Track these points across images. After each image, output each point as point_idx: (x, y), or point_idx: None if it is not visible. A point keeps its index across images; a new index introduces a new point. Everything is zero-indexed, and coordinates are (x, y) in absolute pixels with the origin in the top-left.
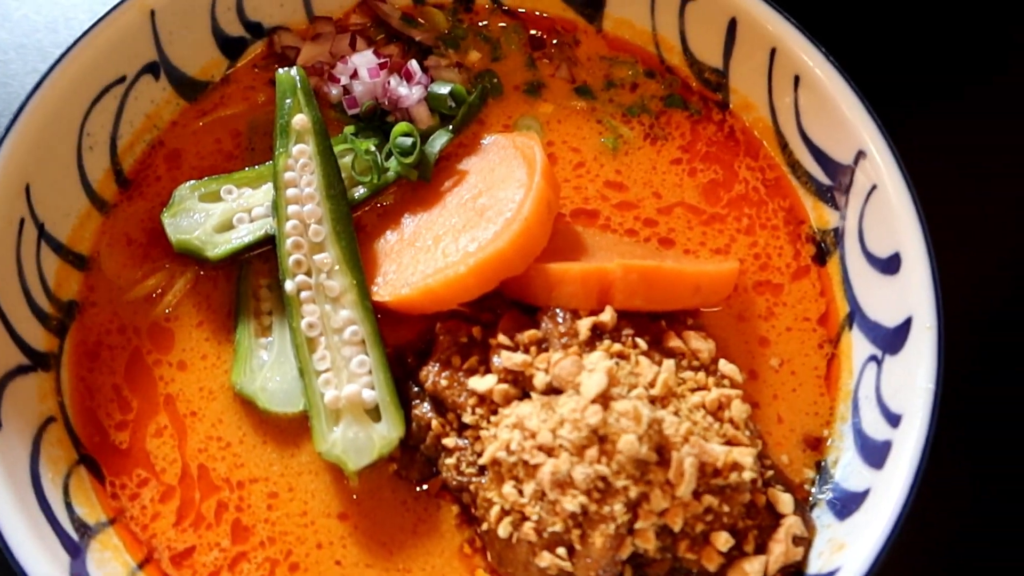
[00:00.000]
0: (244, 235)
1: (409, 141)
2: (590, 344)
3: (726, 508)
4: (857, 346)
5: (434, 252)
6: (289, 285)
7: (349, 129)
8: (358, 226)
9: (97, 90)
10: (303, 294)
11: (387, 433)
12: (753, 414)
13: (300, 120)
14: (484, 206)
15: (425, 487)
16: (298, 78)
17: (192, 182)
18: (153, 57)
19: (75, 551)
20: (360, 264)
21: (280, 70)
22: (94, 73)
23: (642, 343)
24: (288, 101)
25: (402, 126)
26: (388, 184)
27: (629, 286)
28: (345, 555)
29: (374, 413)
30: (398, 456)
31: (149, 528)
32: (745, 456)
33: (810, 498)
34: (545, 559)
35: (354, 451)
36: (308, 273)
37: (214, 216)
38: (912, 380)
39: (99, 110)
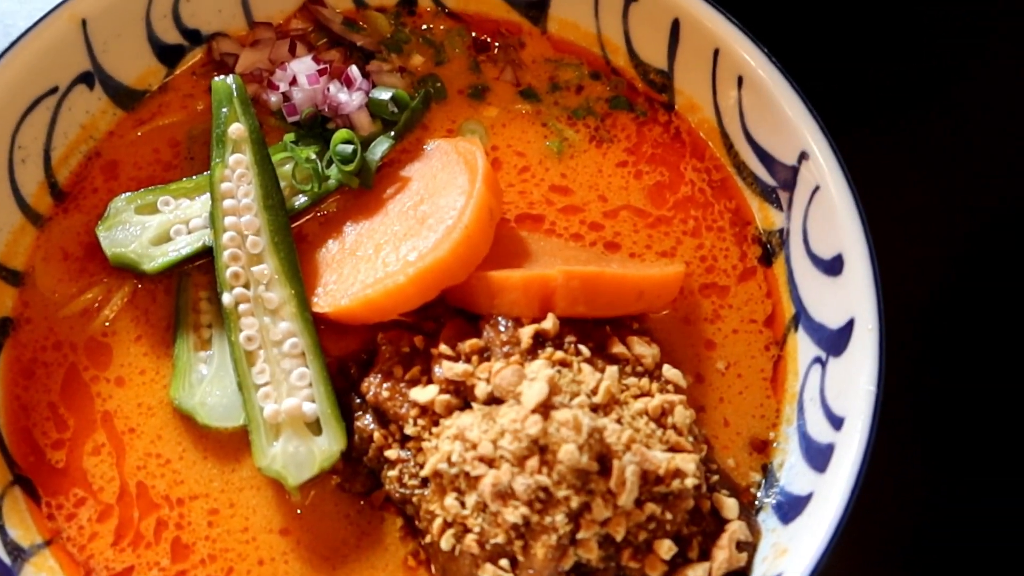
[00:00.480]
0: (182, 247)
1: (350, 148)
2: (532, 352)
3: (669, 516)
4: (802, 347)
5: (375, 261)
6: (227, 298)
7: (289, 137)
8: (299, 235)
9: (28, 101)
10: (241, 307)
11: (328, 446)
12: (699, 418)
13: (236, 129)
14: (425, 213)
15: (370, 498)
16: (234, 86)
17: (128, 194)
18: (87, 67)
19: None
20: (299, 275)
21: (216, 78)
22: (24, 84)
23: (585, 350)
24: (224, 110)
25: (342, 133)
26: (329, 192)
27: (571, 293)
28: (288, 571)
29: (315, 426)
30: (340, 469)
31: (87, 549)
32: (688, 463)
33: (756, 502)
34: (488, 571)
35: (294, 465)
36: (246, 285)
37: (151, 228)
38: (855, 382)
39: (31, 122)
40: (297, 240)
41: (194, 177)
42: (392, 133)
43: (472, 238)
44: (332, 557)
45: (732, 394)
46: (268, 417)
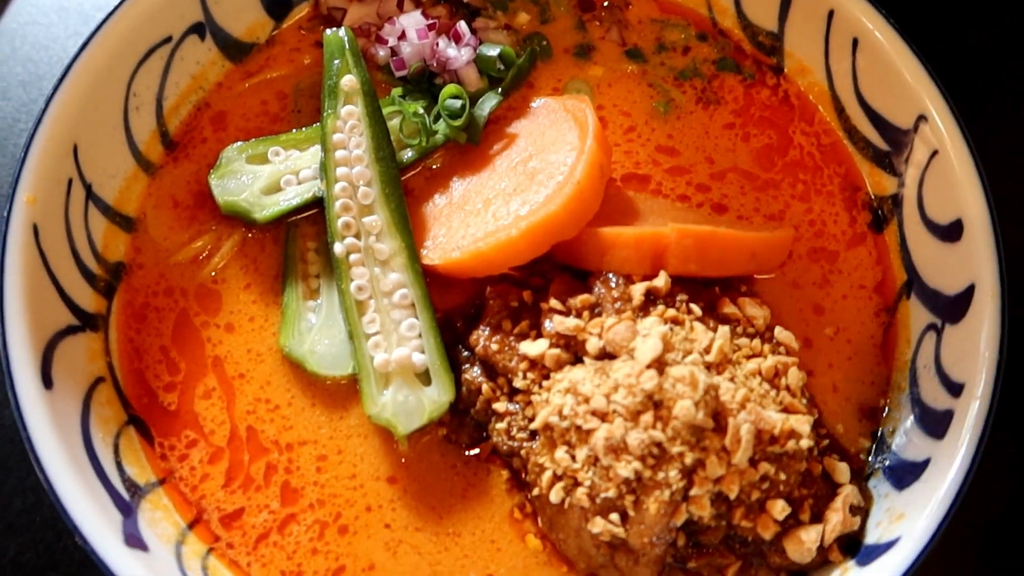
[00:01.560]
0: (292, 197)
1: (458, 103)
2: (643, 309)
3: (782, 476)
4: (915, 315)
5: (484, 215)
6: (338, 248)
7: (397, 91)
8: (406, 189)
9: (143, 50)
10: (352, 257)
11: (437, 397)
12: (808, 383)
13: (349, 81)
14: (535, 169)
15: (475, 451)
16: (346, 39)
17: (239, 143)
18: (199, 18)
19: (127, 510)
20: (409, 227)
21: (328, 31)
22: (140, 33)
23: (696, 309)
24: (336, 62)
25: (451, 88)
26: (436, 147)
27: (684, 251)
28: (394, 518)
29: (424, 377)
30: (448, 420)
31: (198, 489)
32: (802, 424)
33: (866, 468)
34: (598, 525)
35: (404, 415)
36: (357, 236)
37: (261, 178)
38: (974, 349)
39: (145, 71)
40: (404, 194)
41: (303, 129)
42: (499, 89)
43: (583, 194)
44: (438, 507)
45: (841, 360)
46: (378, 366)
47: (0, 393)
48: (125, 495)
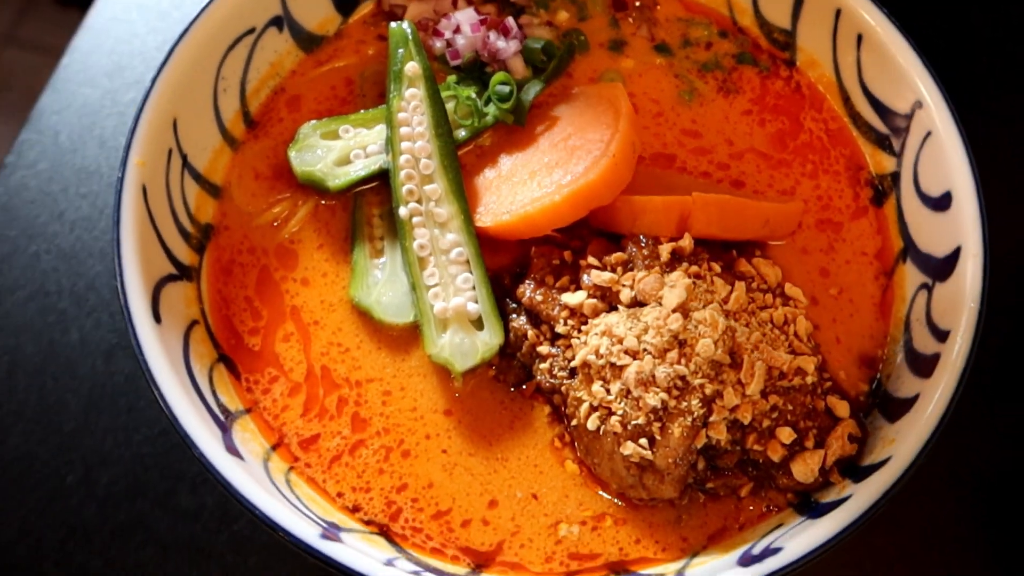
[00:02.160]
0: (360, 169)
1: (507, 89)
2: (670, 266)
3: (790, 407)
4: (910, 276)
5: (530, 184)
6: (403, 211)
7: (452, 78)
8: (460, 163)
9: (231, 39)
10: (415, 219)
11: (489, 340)
12: (814, 334)
13: (412, 67)
14: (574, 146)
15: (522, 388)
16: (409, 31)
17: (314, 122)
18: (278, 12)
19: (224, 428)
20: (464, 194)
21: (393, 24)
22: (229, 24)
23: (716, 267)
24: (400, 51)
25: (500, 75)
26: (487, 127)
27: (706, 215)
28: (450, 445)
29: (477, 323)
30: (497, 362)
31: (279, 418)
32: (808, 363)
33: (864, 406)
34: (629, 448)
35: (460, 355)
36: (419, 201)
37: (334, 151)
38: (959, 301)
39: (232, 57)
40: (459, 167)
41: (370, 110)
42: (542, 78)
43: (618, 166)
44: (488, 436)
45: (844, 316)
46: (438, 313)
47: (87, 349)
48: (221, 417)
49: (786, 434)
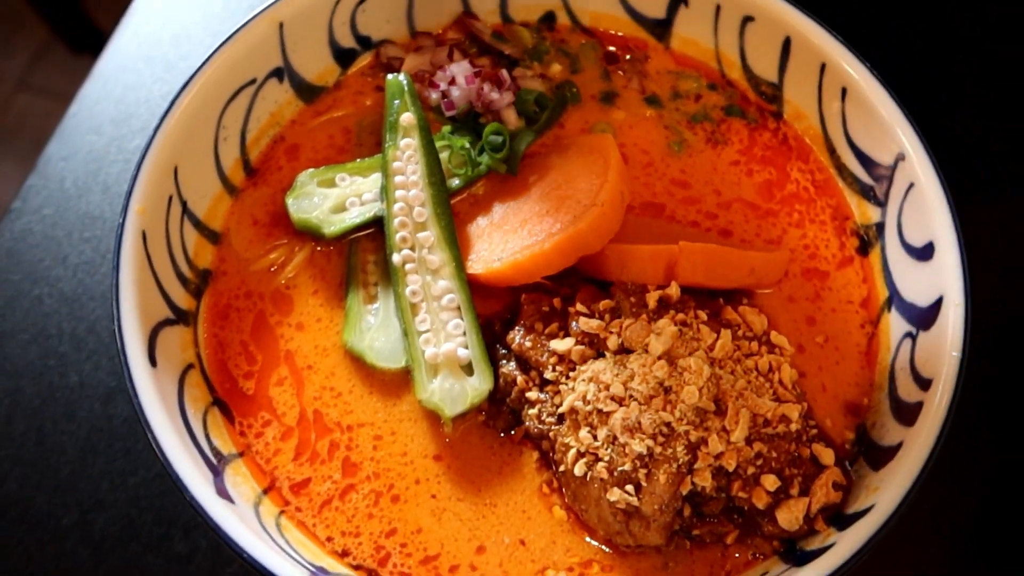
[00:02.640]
0: (355, 216)
1: (500, 139)
2: (657, 313)
3: (774, 454)
4: (895, 325)
5: (521, 232)
6: (396, 258)
7: (446, 128)
8: (453, 212)
9: (233, 89)
10: (407, 266)
11: (479, 385)
12: (800, 382)
13: (407, 118)
14: (565, 195)
15: (511, 434)
16: (406, 82)
17: (312, 170)
18: (279, 63)
19: (216, 472)
20: (456, 242)
21: (390, 76)
22: (232, 74)
23: (703, 315)
24: (397, 102)
25: (493, 126)
26: (480, 176)
27: (692, 264)
28: (439, 490)
29: (468, 369)
30: (486, 407)
31: (271, 461)
32: (792, 411)
33: (849, 455)
34: (615, 494)
35: (450, 400)
36: (412, 248)
37: (330, 199)
38: (942, 350)
39: (233, 107)
40: (452, 214)
41: (366, 159)
42: (535, 128)
43: (606, 215)
44: (478, 481)
45: (830, 364)
46: (428, 358)
47: (85, 392)
48: (213, 460)
49: (771, 481)
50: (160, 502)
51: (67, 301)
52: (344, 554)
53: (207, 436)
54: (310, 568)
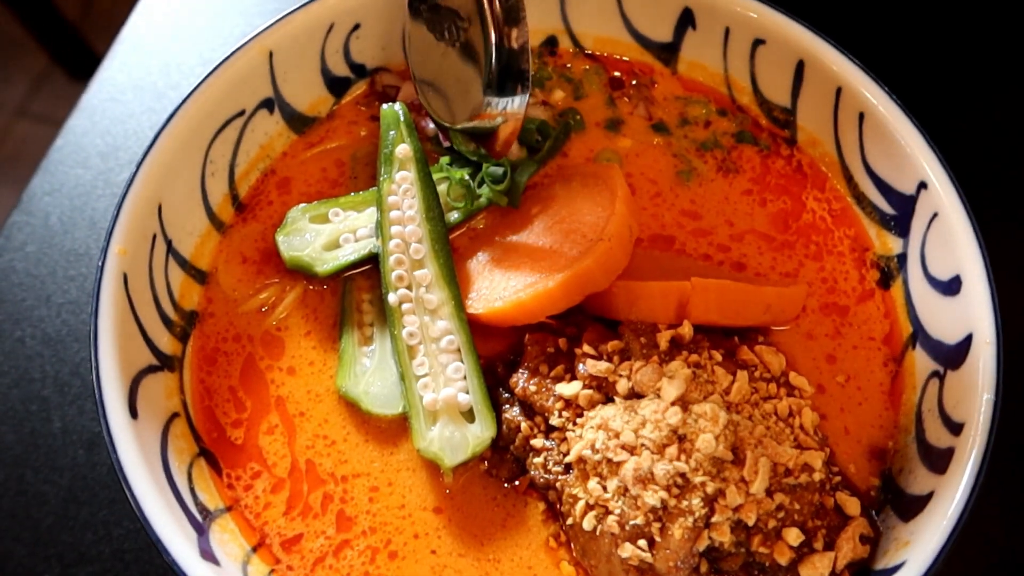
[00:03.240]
0: (349, 253)
1: (500, 170)
2: (669, 355)
3: (797, 506)
4: (920, 363)
5: (523, 270)
6: (392, 297)
7: (445, 159)
8: (452, 247)
9: (221, 122)
10: (404, 306)
11: (480, 433)
12: (821, 425)
13: (403, 150)
14: (569, 229)
15: (515, 484)
16: (401, 112)
17: (303, 205)
18: (269, 93)
19: (200, 530)
20: (455, 280)
21: (385, 105)
22: (220, 105)
23: (717, 355)
24: (392, 133)
25: None
26: (480, 209)
27: (705, 301)
28: (440, 545)
29: (468, 415)
30: (489, 456)
31: (261, 516)
32: (815, 459)
33: (875, 503)
34: (627, 550)
35: (450, 448)
36: (409, 287)
37: (322, 236)
38: (973, 391)
39: (221, 140)
40: (451, 251)
41: (360, 192)
42: (537, 158)
43: (613, 251)
44: (480, 535)
45: (852, 405)
46: (427, 404)
47: (68, 439)
48: (198, 517)
49: (793, 535)
50: (147, 555)
51: (50, 343)
52: None
53: (192, 491)
54: None
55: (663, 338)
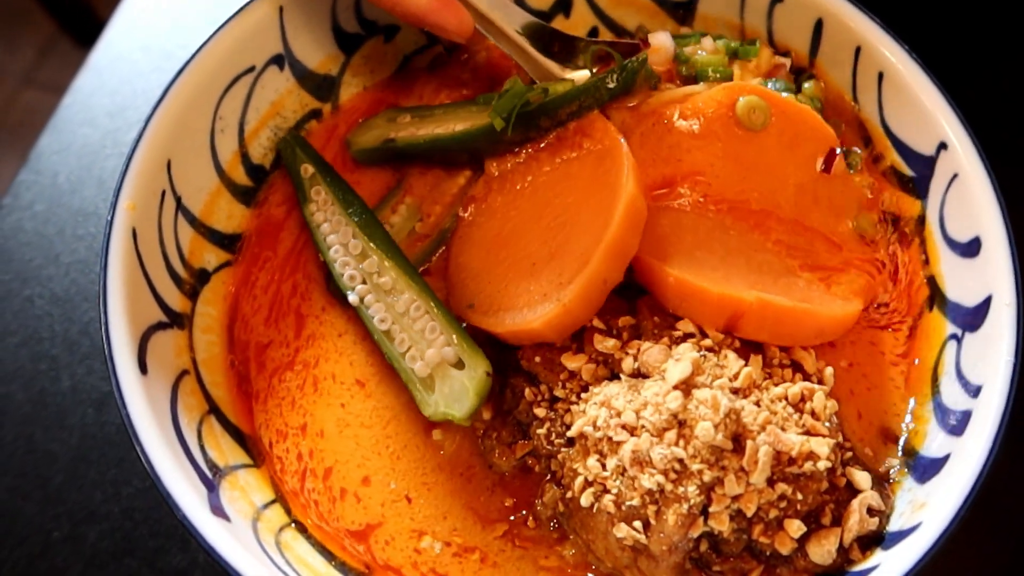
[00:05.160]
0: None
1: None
2: (682, 337)
3: (800, 496)
4: (937, 326)
5: (528, 284)
6: (352, 297)
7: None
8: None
9: (230, 78)
10: (366, 299)
11: (474, 373)
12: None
13: (306, 168)
14: (570, 221)
15: (511, 449)
16: (295, 140)
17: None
18: (279, 50)
19: (210, 486)
20: (399, 249)
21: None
22: (229, 61)
23: (736, 341)
24: (291, 160)
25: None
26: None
27: (760, 321)
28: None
29: (460, 364)
30: (490, 420)
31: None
32: (821, 446)
33: (890, 478)
34: (622, 530)
35: (455, 402)
36: (363, 281)
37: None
38: (992, 354)
39: (230, 96)
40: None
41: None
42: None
43: (623, 239)
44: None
45: (861, 389)
46: (419, 372)
47: (78, 397)
48: (208, 473)
49: (795, 527)
50: (156, 514)
51: (59, 302)
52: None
53: (202, 448)
54: None
55: (682, 325)
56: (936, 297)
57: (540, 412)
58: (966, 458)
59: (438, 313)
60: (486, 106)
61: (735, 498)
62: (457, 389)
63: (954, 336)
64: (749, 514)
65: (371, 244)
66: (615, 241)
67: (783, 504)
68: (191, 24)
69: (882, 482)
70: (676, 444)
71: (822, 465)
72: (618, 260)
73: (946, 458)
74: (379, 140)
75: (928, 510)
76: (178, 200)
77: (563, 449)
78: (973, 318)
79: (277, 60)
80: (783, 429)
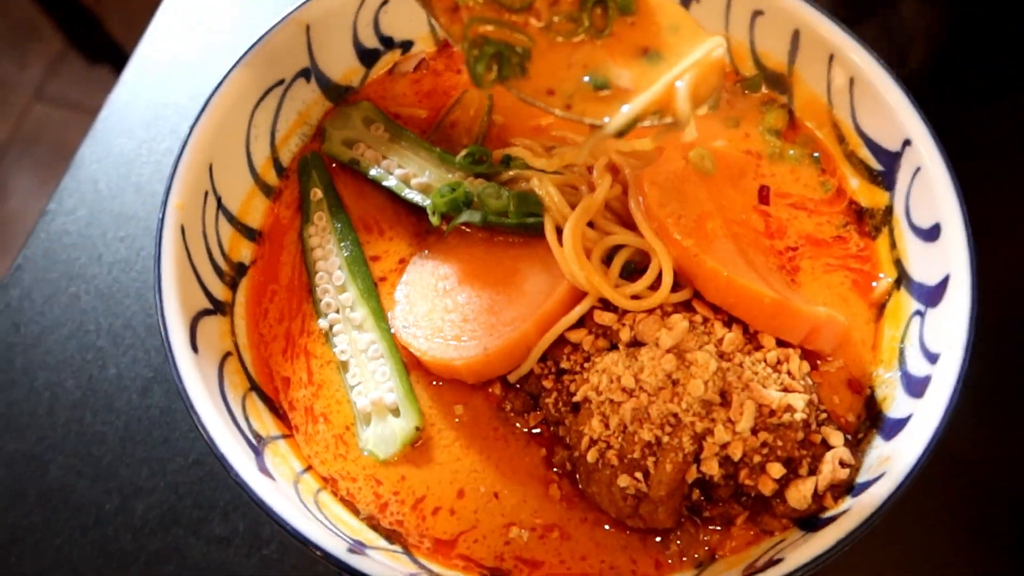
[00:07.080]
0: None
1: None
2: (673, 310)
3: (779, 443)
4: (904, 304)
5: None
6: (323, 322)
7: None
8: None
9: (263, 90)
10: (335, 327)
11: (405, 425)
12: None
13: (315, 193)
14: (515, 286)
15: (523, 417)
16: (311, 161)
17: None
18: (306, 64)
19: (256, 452)
20: (376, 294)
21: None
22: (262, 76)
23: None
24: (305, 180)
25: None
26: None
27: (829, 338)
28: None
29: (396, 411)
30: (504, 390)
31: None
32: (797, 400)
33: (859, 434)
34: (624, 480)
35: (383, 444)
36: (337, 311)
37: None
38: (949, 325)
39: (263, 107)
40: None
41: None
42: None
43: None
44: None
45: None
46: (360, 409)
47: (123, 383)
48: (253, 440)
49: (776, 469)
50: (199, 487)
51: (103, 297)
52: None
53: (247, 419)
54: (349, 541)
55: (673, 297)
56: (903, 279)
57: (547, 384)
58: (926, 416)
59: (392, 361)
60: (448, 164)
61: (723, 446)
62: (387, 434)
63: (918, 312)
64: (736, 459)
65: (353, 281)
66: (546, 316)
67: (765, 450)
68: (217, 42)
69: (855, 442)
70: (671, 401)
71: (798, 416)
72: (543, 329)
73: (909, 418)
74: (347, 156)
75: (892, 462)
76: (219, 200)
77: (569, 415)
78: (934, 295)
79: (304, 73)
80: (764, 386)
